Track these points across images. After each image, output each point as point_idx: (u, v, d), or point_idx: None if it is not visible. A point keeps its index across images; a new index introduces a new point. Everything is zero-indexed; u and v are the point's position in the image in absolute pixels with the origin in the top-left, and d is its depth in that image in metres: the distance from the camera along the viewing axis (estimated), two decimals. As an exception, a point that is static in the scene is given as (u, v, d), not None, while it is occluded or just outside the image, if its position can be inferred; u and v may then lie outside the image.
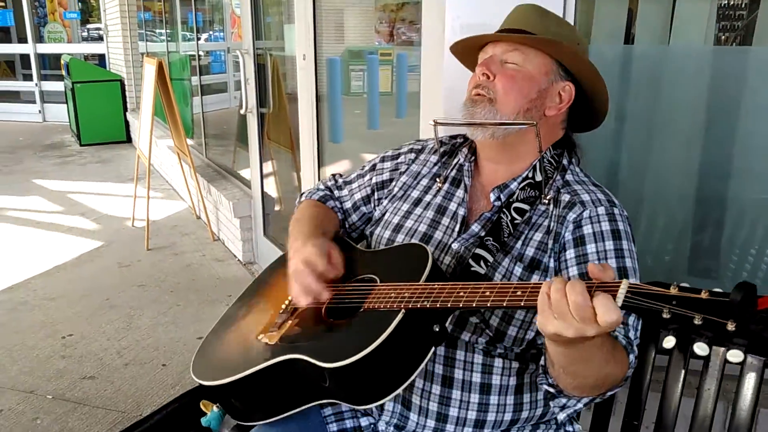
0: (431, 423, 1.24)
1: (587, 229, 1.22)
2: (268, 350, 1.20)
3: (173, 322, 3.32)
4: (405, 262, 1.23)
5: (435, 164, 1.45)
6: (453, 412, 1.23)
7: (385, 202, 1.46)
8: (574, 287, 0.86)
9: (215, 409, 1.38)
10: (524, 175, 1.32)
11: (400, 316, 1.05)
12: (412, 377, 1.07)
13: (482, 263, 1.22)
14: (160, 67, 4.36)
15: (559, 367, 1.05)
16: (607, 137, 2.11)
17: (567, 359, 1.01)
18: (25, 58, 10.86)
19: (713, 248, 2.08)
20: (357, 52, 3.97)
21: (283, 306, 1.31)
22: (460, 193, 1.37)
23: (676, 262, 2.12)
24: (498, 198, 1.31)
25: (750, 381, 1.36)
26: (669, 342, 0.83)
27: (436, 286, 1.07)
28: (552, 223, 1.25)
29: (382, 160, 1.53)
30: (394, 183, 1.47)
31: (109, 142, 8.17)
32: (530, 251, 1.24)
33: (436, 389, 1.23)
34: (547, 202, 1.28)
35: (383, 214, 1.44)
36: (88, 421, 2.52)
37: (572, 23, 1.81)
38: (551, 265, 1.23)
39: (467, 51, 1.44)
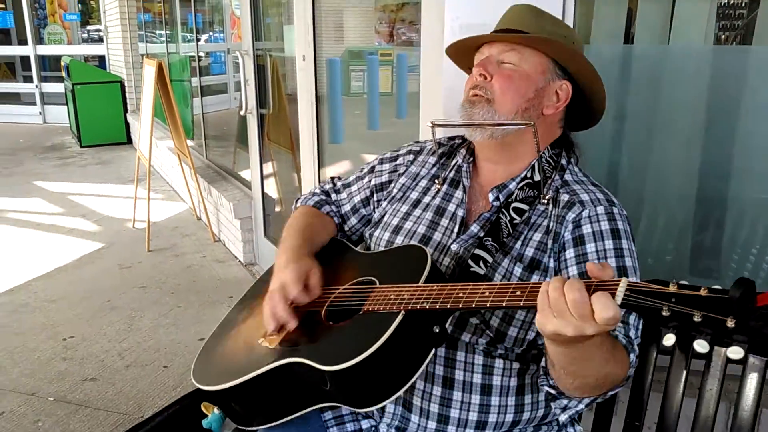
0: (432, 425, 1.24)
1: (586, 229, 1.22)
2: (268, 354, 1.20)
3: (174, 324, 3.32)
4: (404, 264, 1.23)
5: (433, 165, 1.45)
6: (454, 413, 1.22)
7: (384, 203, 1.46)
8: (572, 285, 0.86)
9: (216, 411, 1.38)
10: (523, 175, 1.32)
11: (399, 317, 1.05)
12: (413, 379, 1.07)
13: (482, 264, 1.22)
14: (159, 68, 4.36)
15: (559, 368, 1.05)
16: (607, 137, 2.10)
17: (567, 359, 1.00)
18: (25, 60, 10.87)
19: (714, 248, 2.08)
20: (357, 52, 3.97)
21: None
22: (458, 194, 1.37)
23: (678, 262, 2.12)
24: (497, 198, 1.31)
25: (752, 381, 1.36)
26: (669, 340, 0.83)
27: (435, 287, 1.07)
28: (551, 223, 1.25)
29: (381, 162, 1.53)
30: (392, 184, 1.47)
31: (110, 144, 8.17)
32: (530, 251, 1.24)
33: (437, 390, 1.23)
34: (546, 201, 1.28)
35: (382, 216, 1.44)
36: (90, 423, 2.52)
37: (571, 23, 1.81)
38: (551, 265, 1.23)
39: (463, 52, 1.44)
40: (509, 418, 1.24)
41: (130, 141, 8.28)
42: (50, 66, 10.88)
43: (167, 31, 7.39)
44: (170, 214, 5.29)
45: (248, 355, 1.25)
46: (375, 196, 1.50)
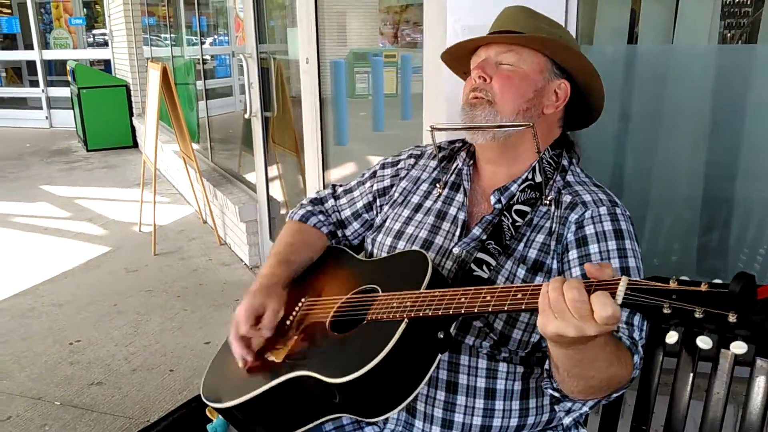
0: (436, 429, 1.23)
1: (589, 230, 1.21)
2: (275, 369, 1.20)
3: (180, 328, 3.32)
4: (405, 270, 1.22)
5: (434, 169, 1.45)
6: (458, 418, 1.22)
7: (385, 208, 1.46)
8: (570, 285, 0.86)
9: (221, 416, 1.38)
10: (524, 177, 1.31)
11: (403, 326, 1.05)
12: (421, 386, 1.06)
13: (485, 267, 1.21)
14: (164, 72, 4.37)
15: (563, 370, 1.04)
16: (612, 138, 2.10)
17: (571, 361, 1.00)
18: (31, 65, 10.93)
19: (721, 248, 2.07)
20: (362, 54, 3.96)
21: (288, 322, 1.30)
22: (459, 197, 1.37)
23: (684, 262, 2.11)
24: (498, 200, 1.31)
25: (760, 383, 1.35)
26: (672, 337, 0.82)
27: (437, 293, 1.06)
28: (554, 224, 1.25)
29: (383, 166, 1.53)
30: (394, 189, 1.47)
31: (116, 148, 8.20)
32: (533, 253, 1.23)
33: (441, 395, 1.22)
34: (548, 203, 1.27)
35: (384, 221, 1.44)
36: (96, 427, 2.53)
37: (574, 23, 1.80)
38: (554, 266, 1.22)
39: (458, 57, 1.44)
40: (514, 422, 1.23)
41: (136, 145, 8.31)
42: (56, 70, 10.93)
43: (172, 35, 7.41)
44: (176, 218, 5.30)
45: (255, 370, 1.25)
46: (377, 201, 1.49)
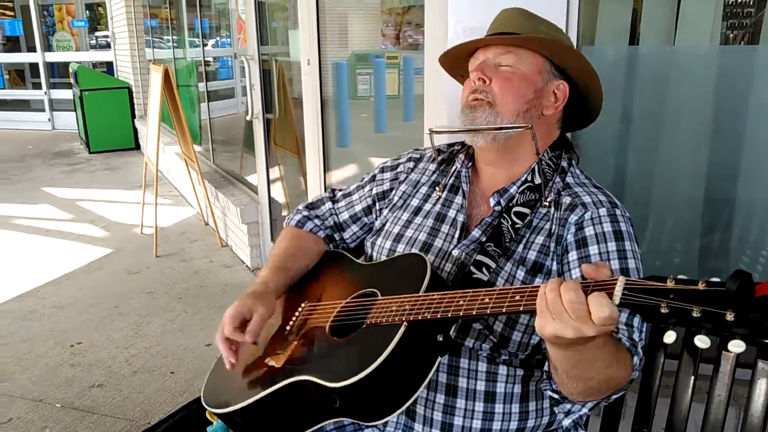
0: (436, 432, 1.23)
1: (589, 231, 1.21)
2: (275, 374, 1.19)
3: (181, 330, 3.32)
4: (404, 273, 1.22)
5: (433, 172, 1.45)
6: (458, 421, 1.21)
7: (385, 212, 1.46)
8: (567, 286, 0.86)
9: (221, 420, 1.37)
10: (523, 179, 1.31)
11: (402, 329, 1.05)
12: (421, 389, 1.06)
13: (484, 270, 1.21)
14: (166, 74, 4.38)
15: (562, 372, 1.04)
16: (614, 139, 2.09)
17: (569, 362, 0.99)
18: (34, 67, 10.94)
19: (723, 250, 2.06)
20: (364, 55, 3.96)
21: (288, 327, 1.30)
22: (458, 199, 1.37)
23: (686, 263, 2.10)
24: (498, 203, 1.30)
25: (761, 386, 1.34)
26: (669, 337, 0.81)
27: (436, 296, 1.06)
28: (553, 226, 1.24)
29: (382, 170, 1.53)
30: (393, 192, 1.46)
31: (118, 150, 8.21)
32: (532, 255, 1.23)
33: (440, 398, 1.22)
34: (547, 204, 1.27)
35: (383, 225, 1.44)
36: (97, 429, 2.52)
37: (576, 24, 1.80)
38: (554, 268, 1.22)
39: (456, 60, 1.44)
40: (513, 425, 1.23)
41: (138, 147, 8.32)
42: (59, 73, 10.95)
43: (174, 37, 7.42)
44: (178, 220, 5.31)
45: (255, 375, 1.25)
46: (377, 204, 1.49)
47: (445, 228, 1.34)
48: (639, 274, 1.18)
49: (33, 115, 10.49)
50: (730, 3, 2.03)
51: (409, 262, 1.24)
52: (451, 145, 1.49)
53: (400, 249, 1.35)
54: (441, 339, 1.07)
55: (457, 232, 1.32)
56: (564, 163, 1.34)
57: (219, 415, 1.28)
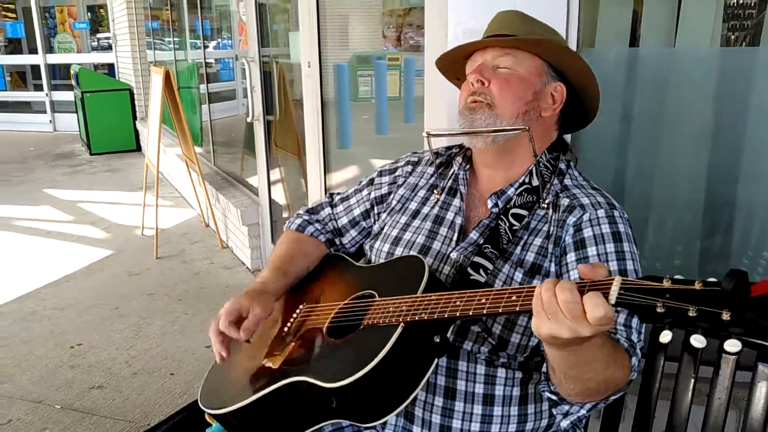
0: (435, 435, 1.22)
1: (587, 232, 1.21)
2: (271, 374, 1.19)
3: (181, 331, 3.32)
4: (402, 275, 1.22)
5: (432, 175, 1.45)
6: (456, 424, 1.21)
7: (383, 215, 1.46)
8: (563, 286, 0.86)
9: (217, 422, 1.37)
10: (521, 181, 1.31)
11: (399, 330, 1.05)
12: (417, 390, 1.06)
13: (481, 271, 1.21)
14: (167, 75, 4.38)
15: (559, 373, 1.03)
16: (614, 141, 2.09)
17: (567, 363, 0.99)
18: (35, 69, 10.97)
19: (724, 252, 2.06)
20: (365, 57, 3.96)
21: (285, 328, 1.29)
22: (456, 202, 1.37)
23: (686, 266, 2.09)
24: (495, 204, 1.30)
25: (762, 389, 1.34)
26: (665, 336, 0.81)
27: (433, 297, 1.06)
28: (552, 228, 1.24)
29: (380, 174, 1.53)
30: (392, 196, 1.47)
31: (119, 151, 8.22)
32: (530, 256, 1.23)
33: (439, 401, 1.21)
34: (545, 206, 1.27)
35: (382, 228, 1.44)
36: (96, 431, 2.52)
37: (576, 26, 1.80)
38: (552, 269, 1.22)
39: (453, 63, 1.44)
40: (512, 428, 1.22)
41: (139, 148, 8.33)
42: (60, 74, 10.97)
43: (175, 39, 7.43)
44: (178, 221, 5.31)
45: (252, 376, 1.24)
46: (375, 208, 1.49)
47: (443, 231, 1.34)
48: (637, 276, 1.18)
49: (34, 117, 10.51)
50: (731, 4, 2.03)
51: (408, 264, 1.24)
52: (449, 148, 1.49)
53: (399, 252, 1.35)
54: (438, 340, 1.06)
55: (455, 235, 1.31)
56: (562, 165, 1.34)
57: (215, 416, 1.28)
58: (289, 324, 1.30)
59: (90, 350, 3.14)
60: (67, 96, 9.70)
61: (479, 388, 1.21)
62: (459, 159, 1.41)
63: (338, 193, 1.60)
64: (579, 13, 1.80)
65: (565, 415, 1.14)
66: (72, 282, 4.04)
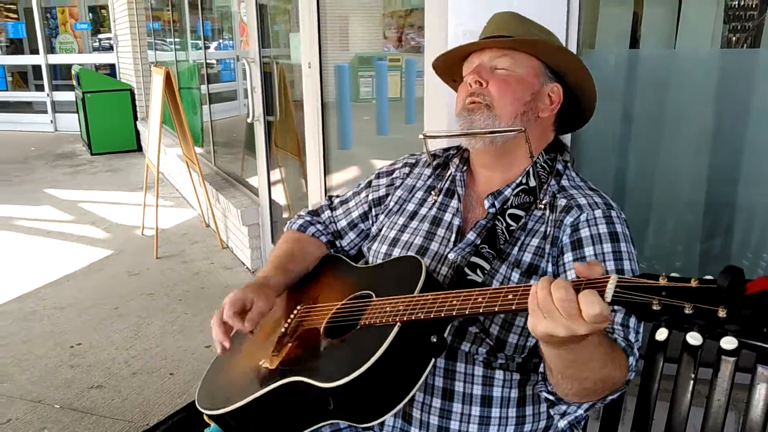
0: (433, 437, 1.22)
1: (584, 232, 1.21)
2: (268, 375, 1.19)
3: (181, 331, 3.32)
4: (400, 275, 1.22)
5: (429, 177, 1.45)
6: (454, 425, 1.21)
7: (381, 217, 1.46)
8: (558, 284, 0.86)
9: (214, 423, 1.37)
10: (518, 181, 1.31)
11: (396, 329, 1.05)
12: (414, 390, 1.06)
13: (478, 271, 1.21)
14: (167, 76, 4.38)
15: (556, 372, 1.03)
16: (615, 142, 2.09)
17: (564, 362, 0.99)
18: (37, 69, 10.99)
19: (724, 253, 2.05)
20: (366, 58, 3.97)
21: (283, 329, 1.30)
22: (454, 203, 1.37)
23: (687, 267, 2.09)
24: (492, 205, 1.30)
25: (761, 391, 1.34)
26: (662, 334, 0.81)
27: (429, 296, 1.06)
28: (549, 228, 1.24)
29: (378, 176, 1.53)
30: (389, 198, 1.47)
31: (120, 151, 8.23)
32: (527, 257, 1.23)
33: (437, 402, 1.21)
34: (542, 207, 1.27)
35: (380, 230, 1.44)
36: (96, 430, 2.52)
37: (576, 28, 1.80)
38: (549, 269, 1.22)
39: (450, 65, 1.44)
40: (510, 430, 1.22)
41: (140, 148, 8.33)
42: (61, 75, 10.99)
43: (176, 39, 7.43)
44: (179, 221, 5.31)
45: (249, 377, 1.24)
46: (373, 210, 1.50)
47: (440, 231, 1.34)
48: (634, 276, 1.18)
49: (35, 117, 10.53)
50: (732, 6, 2.03)
51: (405, 264, 1.24)
52: (446, 150, 1.50)
53: (396, 253, 1.35)
54: (435, 340, 1.06)
55: (453, 236, 1.32)
56: (559, 166, 1.34)
57: (213, 418, 1.27)
58: (286, 324, 1.30)
59: (89, 350, 3.14)
60: (68, 96, 9.72)
61: (477, 390, 1.20)
62: (456, 160, 1.42)
63: (337, 196, 1.61)
64: (579, 15, 1.79)
65: (563, 415, 1.14)
66: (72, 282, 4.04)
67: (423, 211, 1.39)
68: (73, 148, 8.79)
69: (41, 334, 3.32)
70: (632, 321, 1.14)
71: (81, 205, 5.85)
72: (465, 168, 1.40)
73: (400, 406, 1.05)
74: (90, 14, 12.10)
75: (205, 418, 1.42)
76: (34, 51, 10.84)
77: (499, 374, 1.21)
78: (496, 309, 0.95)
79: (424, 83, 2.19)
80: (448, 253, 1.29)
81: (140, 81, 8.32)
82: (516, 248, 1.24)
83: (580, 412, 1.12)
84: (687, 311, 0.76)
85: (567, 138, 1.77)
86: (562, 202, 1.27)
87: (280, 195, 4.31)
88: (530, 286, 0.91)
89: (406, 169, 1.49)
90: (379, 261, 1.37)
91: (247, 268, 4.21)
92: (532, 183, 1.30)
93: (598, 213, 1.23)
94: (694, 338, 0.79)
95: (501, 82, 1.29)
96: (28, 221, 5.38)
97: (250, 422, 1.23)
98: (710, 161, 1.99)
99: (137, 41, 8.21)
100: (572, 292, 0.84)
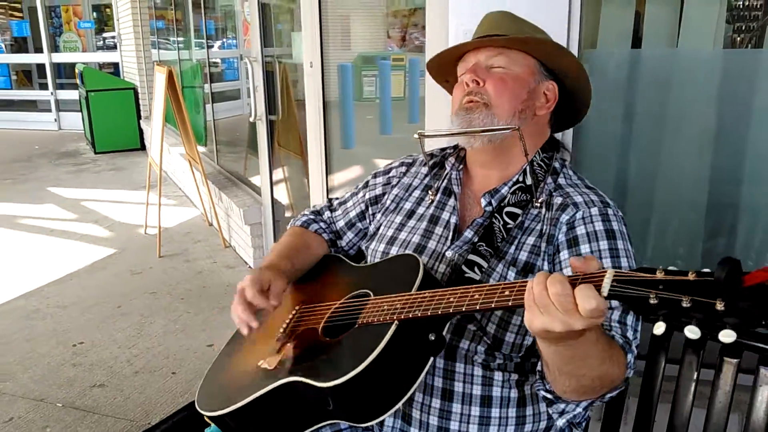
0: (432, 437, 1.22)
1: (580, 230, 1.21)
2: (267, 376, 1.19)
3: (183, 330, 3.32)
4: (397, 274, 1.22)
5: (426, 176, 1.46)
6: (454, 426, 1.20)
7: (378, 216, 1.47)
8: (554, 279, 0.85)
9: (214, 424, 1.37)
10: (515, 179, 1.31)
11: (393, 328, 1.05)
12: (413, 389, 1.05)
13: (476, 269, 1.21)
14: (170, 75, 4.39)
15: (554, 369, 1.03)
16: (617, 142, 2.08)
17: (561, 359, 0.98)
18: (41, 68, 11.00)
19: (727, 254, 2.03)
20: (369, 57, 3.96)
21: (281, 329, 1.30)
22: (451, 202, 1.37)
23: (689, 268, 2.08)
24: (489, 203, 1.30)
25: (764, 392, 1.33)
26: (659, 328, 0.80)
27: (426, 294, 1.06)
28: (545, 226, 1.24)
29: (375, 176, 1.54)
30: (386, 197, 1.47)
31: (124, 150, 8.24)
32: (523, 255, 1.23)
33: (436, 403, 1.21)
34: (539, 205, 1.27)
35: (378, 228, 1.44)
36: (97, 429, 2.53)
37: (578, 27, 1.80)
38: (545, 267, 1.22)
39: (444, 65, 1.44)
40: (510, 430, 1.22)
41: (143, 147, 8.33)
42: (65, 73, 11.00)
43: (180, 38, 7.44)
44: (182, 220, 5.32)
45: (248, 378, 1.24)
46: (370, 209, 1.50)
47: (438, 230, 1.34)
48: None
49: (39, 116, 10.55)
50: (736, 6, 2.02)
51: (402, 262, 1.24)
52: (443, 149, 1.50)
53: (394, 251, 1.35)
54: (433, 338, 1.06)
55: (450, 234, 1.32)
56: (556, 164, 1.34)
57: (212, 419, 1.27)
58: (285, 325, 1.30)
59: (92, 348, 3.15)
60: (72, 95, 9.72)
61: (476, 390, 1.20)
62: (452, 159, 1.42)
63: (337, 198, 1.62)
64: (581, 14, 1.79)
65: (561, 413, 1.13)
66: (75, 280, 4.05)
67: (420, 209, 1.40)
68: (76, 146, 8.81)
69: (44, 332, 3.33)
70: (630, 319, 1.13)
71: (84, 204, 5.86)
72: (461, 167, 1.41)
73: (399, 405, 1.05)
74: (94, 13, 12.12)
75: (206, 418, 1.42)
76: (38, 50, 10.86)
77: (497, 375, 1.21)
78: (493, 305, 0.94)
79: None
80: (446, 250, 1.29)
81: (144, 80, 8.32)
82: (513, 246, 1.24)
83: (579, 410, 1.12)
84: (684, 304, 0.75)
85: (568, 138, 1.77)
86: (558, 200, 1.27)
87: (282, 194, 4.31)
88: (526, 281, 0.91)
89: (403, 168, 1.50)
90: (377, 260, 1.38)
91: (249, 267, 4.22)
92: (529, 181, 1.30)
93: (594, 211, 1.23)
94: (692, 332, 0.78)
95: (498, 81, 1.29)
96: (32, 219, 5.40)
97: (249, 423, 1.23)
98: (712, 161, 1.98)
99: (141, 40, 8.21)
100: (568, 286, 0.83)
